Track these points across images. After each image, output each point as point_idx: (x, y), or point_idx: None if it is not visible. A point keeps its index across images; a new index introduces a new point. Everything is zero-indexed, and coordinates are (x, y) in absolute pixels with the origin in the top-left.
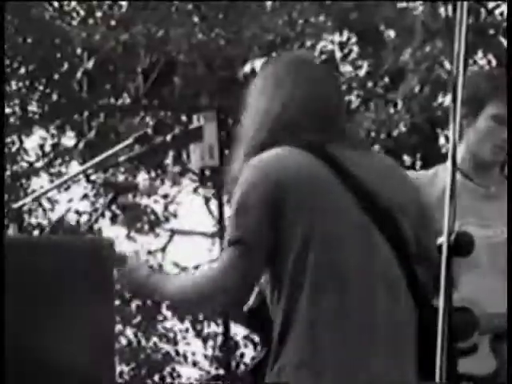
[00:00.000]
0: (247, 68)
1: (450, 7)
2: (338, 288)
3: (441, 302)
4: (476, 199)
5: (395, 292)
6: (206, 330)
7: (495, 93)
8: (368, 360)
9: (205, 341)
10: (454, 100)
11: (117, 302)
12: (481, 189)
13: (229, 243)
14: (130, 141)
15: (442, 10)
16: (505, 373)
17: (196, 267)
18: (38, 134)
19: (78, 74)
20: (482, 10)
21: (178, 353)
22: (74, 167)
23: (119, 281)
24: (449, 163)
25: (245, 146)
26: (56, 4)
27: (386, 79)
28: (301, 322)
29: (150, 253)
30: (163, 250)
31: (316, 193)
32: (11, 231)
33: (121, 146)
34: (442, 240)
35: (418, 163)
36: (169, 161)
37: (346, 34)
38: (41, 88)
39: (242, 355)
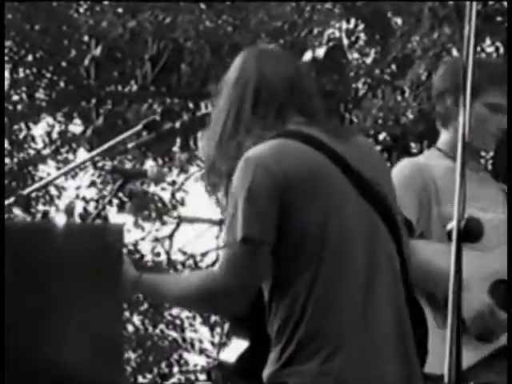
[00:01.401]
0: None
1: None
2: (351, 277)
3: (451, 290)
4: (471, 184)
5: (397, 278)
6: (213, 317)
7: (490, 81)
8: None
9: (212, 328)
10: (464, 87)
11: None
12: (473, 174)
13: (235, 242)
14: (138, 128)
15: None
16: None
17: (203, 254)
18: (46, 121)
19: (86, 61)
20: None
21: (184, 340)
22: (82, 154)
23: None
24: (459, 149)
25: (227, 134)
26: None
27: (394, 66)
28: (316, 308)
29: (157, 240)
30: (170, 237)
31: (321, 182)
32: (20, 218)
33: (129, 132)
34: (452, 226)
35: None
36: (176, 148)
37: (353, 21)
38: (48, 75)
39: None
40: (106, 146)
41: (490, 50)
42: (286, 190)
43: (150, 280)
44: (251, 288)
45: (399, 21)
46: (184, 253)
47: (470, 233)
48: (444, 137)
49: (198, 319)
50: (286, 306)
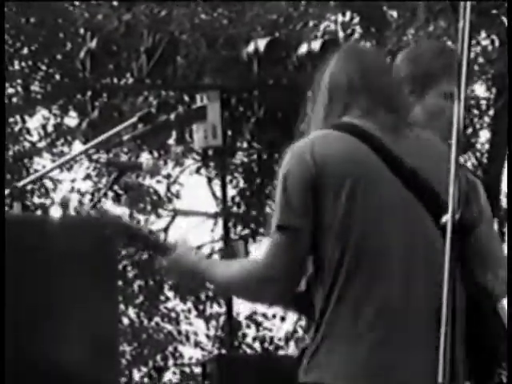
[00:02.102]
0: (250, 47)
1: None
2: (373, 267)
3: (445, 282)
4: None
5: (436, 270)
6: (208, 310)
7: (447, 70)
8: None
9: (207, 321)
10: (459, 80)
11: (119, 283)
12: None
13: (274, 230)
14: (133, 120)
15: None
16: None
17: (198, 247)
18: (41, 113)
19: (81, 54)
20: None
21: (180, 333)
22: (77, 147)
23: (167, 270)
24: (453, 142)
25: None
26: None
27: (389, 59)
28: (337, 299)
29: (151, 233)
30: (165, 230)
31: (355, 171)
32: (15, 210)
33: (124, 125)
34: (446, 219)
35: None
36: (172, 141)
37: (348, 14)
38: (43, 68)
39: (245, 335)
40: (100, 139)
41: (485, 42)
42: (319, 177)
43: (203, 265)
44: (291, 274)
45: (395, 14)
46: None
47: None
48: None
49: (194, 312)
50: (318, 294)
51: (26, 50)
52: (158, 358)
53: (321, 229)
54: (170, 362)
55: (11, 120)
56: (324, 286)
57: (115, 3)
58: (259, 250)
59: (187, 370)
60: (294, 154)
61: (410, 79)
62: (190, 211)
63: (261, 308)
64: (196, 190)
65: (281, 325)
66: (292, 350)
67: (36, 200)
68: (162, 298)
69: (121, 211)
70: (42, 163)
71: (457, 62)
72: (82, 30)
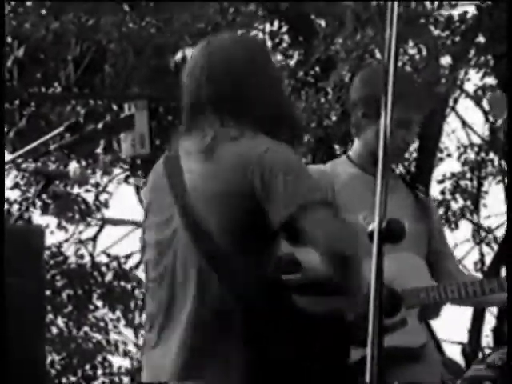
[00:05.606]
0: (178, 56)
1: None
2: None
3: (372, 292)
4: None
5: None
6: (137, 320)
7: (397, 96)
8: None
9: (136, 330)
10: (385, 88)
11: (47, 292)
12: None
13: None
14: (60, 129)
15: None
16: (432, 344)
17: (127, 256)
18: None
19: (9, 63)
20: None
21: (109, 342)
22: (5, 156)
23: None
24: (380, 150)
25: None
26: None
27: (317, 68)
28: None
29: (81, 242)
30: (94, 239)
31: (154, 195)
32: None
33: (52, 133)
34: (373, 227)
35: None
36: (100, 150)
37: (276, 23)
38: None
39: None
40: (28, 147)
41: (412, 51)
42: None
43: None
44: None
45: (323, 23)
46: (108, 255)
47: (392, 233)
48: (355, 145)
49: (122, 321)
50: None
51: None
52: (87, 367)
53: None
54: (99, 371)
55: None
56: None
57: (43, 12)
58: None
59: (116, 379)
60: None
61: (363, 102)
62: (119, 220)
63: None
64: (124, 199)
65: None
66: None
67: None
68: (91, 307)
69: (49, 220)
70: None
71: (384, 70)
72: (9, 39)
